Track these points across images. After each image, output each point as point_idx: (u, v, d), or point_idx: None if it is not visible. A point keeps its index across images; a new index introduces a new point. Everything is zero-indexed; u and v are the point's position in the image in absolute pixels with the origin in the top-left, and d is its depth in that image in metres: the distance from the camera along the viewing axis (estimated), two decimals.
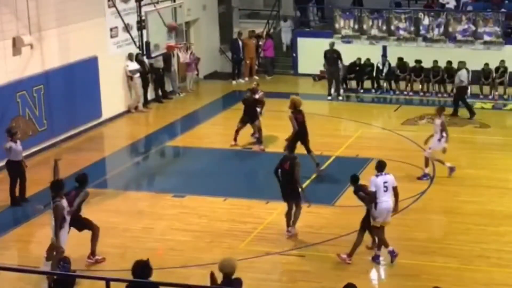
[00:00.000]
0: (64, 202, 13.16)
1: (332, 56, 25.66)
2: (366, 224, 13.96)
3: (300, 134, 18.17)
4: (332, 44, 26.00)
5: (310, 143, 18.33)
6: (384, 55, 26.83)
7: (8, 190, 16.99)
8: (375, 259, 13.97)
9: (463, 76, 23.52)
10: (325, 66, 26.41)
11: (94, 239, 14.07)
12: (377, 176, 13.86)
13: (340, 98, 25.71)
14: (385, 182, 13.76)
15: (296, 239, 15.04)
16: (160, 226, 15.85)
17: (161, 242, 15.07)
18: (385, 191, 13.72)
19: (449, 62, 25.51)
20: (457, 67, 24.21)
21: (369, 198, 13.78)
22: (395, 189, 13.88)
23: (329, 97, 25.64)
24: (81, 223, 13.95)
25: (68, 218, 13.19)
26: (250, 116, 20.47)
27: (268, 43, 28.91)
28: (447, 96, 25.64)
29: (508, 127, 22.91)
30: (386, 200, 13.73)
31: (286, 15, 29.75)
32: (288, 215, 15.19)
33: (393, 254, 13.91)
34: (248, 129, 20.78)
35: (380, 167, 14.01)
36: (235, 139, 20.63)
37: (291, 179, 14.92)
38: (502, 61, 25.44)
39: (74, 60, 21.37)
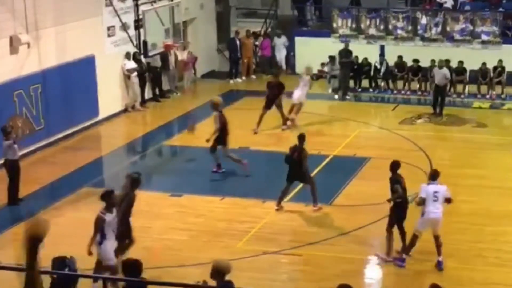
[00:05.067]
0: (108, 216, 12.49)
1: (346, 56, 25.74)
2: (394, 220, 13.87)
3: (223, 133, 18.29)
4: (347, 44, 26.08)
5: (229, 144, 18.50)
6: (381, 55, 26.82)
7: (2, 189, 16.93)
8: (398, 262, 13.83)
9: (448, 74, 23.60)
10: (328, 65, 26.42)
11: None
12: (428, 184, 13.59)
13: (348, 97, 25.62)
14: (435, 192, 13.41)
15: (294, 238, 15.03)
16: (157, 225, 15.82)
17: (158, 241, 15.04)
18: (435, 201, 13.39)
19: (447, 61, 25.48)
20: (439, 65, 23.73)
21: (397, 195, 13.65)
22: (448, 200, 13.51)
23: (336, 96, 25.60)
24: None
25: (108, 231, 12.47)
26: (272, 100, 21.43)
27: (266, 42, 28.87)
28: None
29: (505, 126, 22.89)
30: (433, 211, 13.41)
31: (280, 32, 28.92)
32: (284, 193, 16.19)
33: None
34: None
35: (433, 175, 13.70)
36: (258, 125, 21.45)
37: (300, 168, 15.83)
38: (500, 61, 25.43)
39: (71, 59, 21.33)
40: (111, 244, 12.54)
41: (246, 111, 24.36)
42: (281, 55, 28.86)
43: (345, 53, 25.82)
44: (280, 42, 28.79)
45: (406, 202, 13.93)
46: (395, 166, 14.04)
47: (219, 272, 9.16)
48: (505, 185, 17.69)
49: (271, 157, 19.74)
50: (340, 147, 20.45)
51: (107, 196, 12.56)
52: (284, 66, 28.68)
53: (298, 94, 22.05)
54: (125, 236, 13.28)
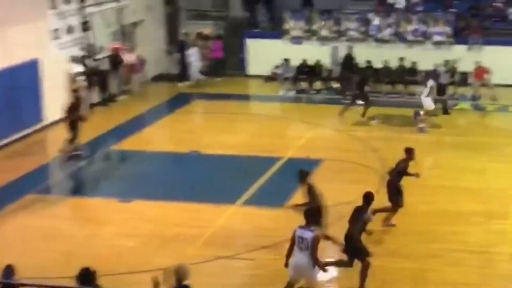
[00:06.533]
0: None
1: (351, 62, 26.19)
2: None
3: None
4: (350, 49, 26.44)
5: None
6: (334, 56, 26.74)
7: None
8: None
9: None
10: (282, 67, 26.27)
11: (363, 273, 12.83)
12: None
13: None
14: None
15: (248, 242, 14.69)
16: (106, 232, 15.39)
17: (108, 248, 14.59)
18: None
19: (401, 59, 25.58)
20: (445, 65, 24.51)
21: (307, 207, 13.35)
22: None
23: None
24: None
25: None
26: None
27: (217, 44, 28.52)
28: (397, 96, 25.62)
29: (458, 126, 22.95)
30: None
31: (190, 44, 27.85)
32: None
33: None
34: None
35: None
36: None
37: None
38: (452, 61, 25.46)
39: (14, 63, 20.70)
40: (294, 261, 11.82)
41: (195, 114, 24.09)
42: (193, 66, 27.81)
43: (350, 59, 26.07)
44: (190, 53, 27.87)
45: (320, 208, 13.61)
46: (304, 175, 14.05)
47: (176, 278, 9.68)
48: (459, 185, 17.66)
49: (222, 161, 19.44)
50: (294, 149, 20.21)
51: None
52: (195, 76, 27.84)
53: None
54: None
